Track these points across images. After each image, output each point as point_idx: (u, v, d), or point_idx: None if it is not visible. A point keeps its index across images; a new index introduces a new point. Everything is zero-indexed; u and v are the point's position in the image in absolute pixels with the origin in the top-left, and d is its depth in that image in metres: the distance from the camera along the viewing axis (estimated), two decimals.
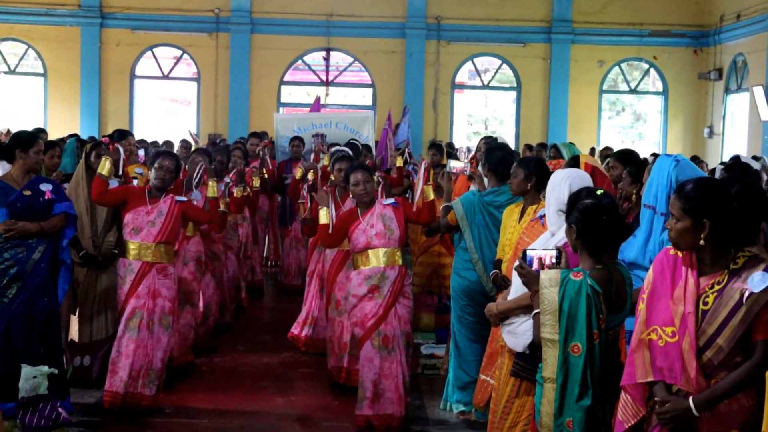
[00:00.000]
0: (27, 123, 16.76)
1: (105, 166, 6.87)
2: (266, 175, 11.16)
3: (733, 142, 19.60)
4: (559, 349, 3.91)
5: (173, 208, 6.93)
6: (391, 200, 6.79)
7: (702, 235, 3.47)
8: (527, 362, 4.56)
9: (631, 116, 22.66)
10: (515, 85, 20.97)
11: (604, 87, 21.08)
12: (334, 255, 7.75)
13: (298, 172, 9.58)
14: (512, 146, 18.82)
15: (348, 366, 7.49)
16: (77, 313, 7.75)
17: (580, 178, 4.76)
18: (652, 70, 21.21)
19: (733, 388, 3.41)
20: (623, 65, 21.20)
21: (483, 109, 22.52)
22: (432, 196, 6.85)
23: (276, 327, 9.93)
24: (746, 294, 3.39)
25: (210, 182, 7.51)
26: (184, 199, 7.16)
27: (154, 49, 20.46)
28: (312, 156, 11.27)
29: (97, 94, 19.88)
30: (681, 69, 20.74)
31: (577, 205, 4.09)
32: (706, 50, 20.51)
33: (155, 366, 6.78)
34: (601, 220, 4.02)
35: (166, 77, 20.81)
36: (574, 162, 5.75)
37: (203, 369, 8.18)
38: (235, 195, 8.58)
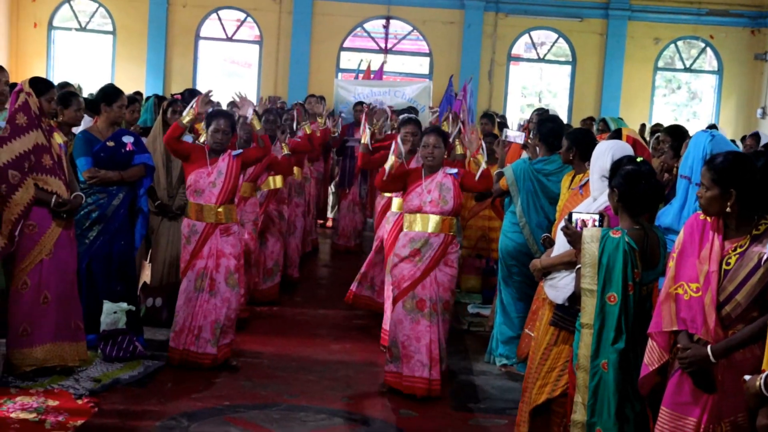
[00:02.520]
0: (96, 79, 17.37)
1: (188, 115, 6.85)
2: (334, 133, 11.63)
3: None
4: (597, 298, 4.35)
5: (231, 165, 6.94)
6: (454, 170, 6.73)
7: (728, 203, 3.87)
8: (566, 313, 4.97)
9: (686, 94, 22.67)
10: (570, 59, 21.09)
11: (659, 64, 21.09)
12: (396, 219, 7.76)
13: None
14: (565, 119, 19.07)
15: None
16: (149, 258, 8.34)
17: (622, 148, 5.14)
18: (708, 49, 21.18)
19: (747, 339, 3.79)
20: (679, 43, 21.23)
21: (537, 82, 22.68)
22: (485, 166, 6.90)
23: (331, 283, 10.44)
24: (764, 257, 3.77)
25: (253, 120, 7.19)
26: (240, 151, 7.16)
27: (219, 12, 20.82)
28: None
29: (163, 54, 20.31)
30: (737, 49, 20.67)
31: (619, 171, 4.54)
32: (764, 31, 20.44)
33: (221, 324, 6.83)
34: (640, 185, 4.47)
35: (229, 39, 21.16)
36: (616, 134, 6.16)
37: (264, 317, 8.57)
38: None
